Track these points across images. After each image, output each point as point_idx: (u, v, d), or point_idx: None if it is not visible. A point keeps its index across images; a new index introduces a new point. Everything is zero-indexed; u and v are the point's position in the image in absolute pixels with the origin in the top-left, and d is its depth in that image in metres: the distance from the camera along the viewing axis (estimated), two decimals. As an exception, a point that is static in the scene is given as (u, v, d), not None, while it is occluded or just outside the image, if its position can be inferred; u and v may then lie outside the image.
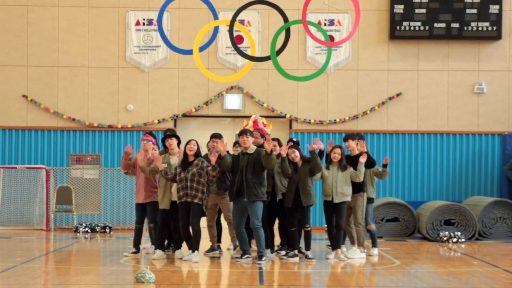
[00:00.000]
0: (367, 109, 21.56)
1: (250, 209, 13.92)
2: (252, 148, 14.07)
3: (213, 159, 13.91)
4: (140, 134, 21.35)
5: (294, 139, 15.45)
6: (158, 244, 14.42)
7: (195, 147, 14.08)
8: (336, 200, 14.36)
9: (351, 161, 14.68)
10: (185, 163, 14.02)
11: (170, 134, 14.62)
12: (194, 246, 13.89)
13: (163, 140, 14.63)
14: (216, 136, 14.56)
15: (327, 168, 14.49)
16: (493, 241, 18.46)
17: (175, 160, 14.41)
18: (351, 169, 14.51)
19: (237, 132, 15.01)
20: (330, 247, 14.87)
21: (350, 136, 15.14)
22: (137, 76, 21.49)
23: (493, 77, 21.59)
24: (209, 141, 15.00)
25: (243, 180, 13.89)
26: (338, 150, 14.50)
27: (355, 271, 13.28)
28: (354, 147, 14.94)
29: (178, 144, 14.62)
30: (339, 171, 14.43)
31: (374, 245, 15.38)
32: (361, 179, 14.52)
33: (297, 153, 14.27)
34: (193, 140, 14.18)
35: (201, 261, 14.05)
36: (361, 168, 14.45)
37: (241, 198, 13.93)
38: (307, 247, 14.31)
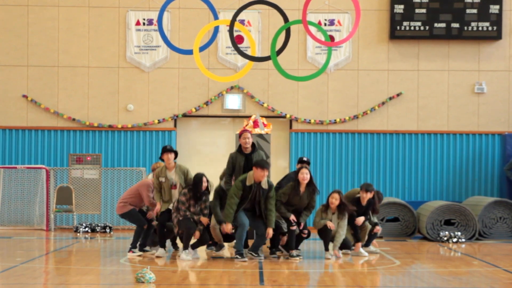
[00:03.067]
0: (367, 109, 21.56)
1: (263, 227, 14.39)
2: (265, 182, 14.27)
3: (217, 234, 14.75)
4: (141, 134, 21.37)
5: (305, 159, 15.59)
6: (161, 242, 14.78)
7: (206, 184, 14.42)
8: (337, 245, 14.69)
9: (358, 208, 15.17)
10: (196, 197, 14.41)
11: (170, 149, 14.74)
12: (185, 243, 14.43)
13: (161, 155, 14.78)
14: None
15: (326, 214, 14.70)
16: (493, 241, 18.46)
17: (172, 174, 14.60)
18: (346, 219, 14.76)
19: (254, 163, 14.87)
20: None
21: (366, 187, 15.34)
22: (137, 76, 21.48)
23: (493, 77, 21.59)
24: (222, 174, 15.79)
25: (261, 211, 14.32)
26: (336, 195, 14.65)
27: (355, 271, 13.28)
28: (365, 198, 15.29)
29: (175, 158, 14.88)
30: (338, 219, 14.65)
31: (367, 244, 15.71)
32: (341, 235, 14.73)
33: (308, 176, 14.45)
34: (204, 176, 14.46)
35: (201, 261, 14.09)
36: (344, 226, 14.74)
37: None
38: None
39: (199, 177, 14.37)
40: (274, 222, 14.25)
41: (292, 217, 14.40)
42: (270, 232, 14.22)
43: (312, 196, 14.51)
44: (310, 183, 14.46)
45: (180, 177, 14.56)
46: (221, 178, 15.52)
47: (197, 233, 14.32)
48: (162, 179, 14.58)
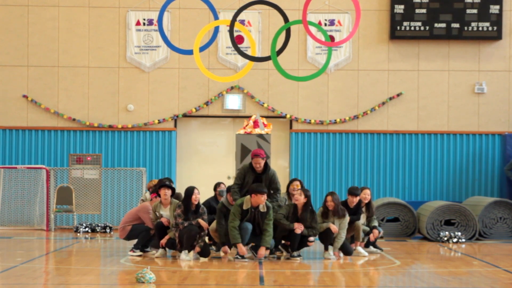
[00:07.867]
0: (367, 109, 21.56)
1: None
2: (262, 206, 14.27)
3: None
4: (141, 134, 21.36)
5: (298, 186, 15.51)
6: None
7: (199, 196, 14.38)
8: (337, 247, 14.70)
9: (349, 211, 15.11)
10: (189, 212, 14.30)
11: (168, 185, 14.68)
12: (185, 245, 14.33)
13: (158, 189, 14.71)
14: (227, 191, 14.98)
15: (326, 218, 14.66)
16: (493, 241, 18.47)
17: (166, 211, 14.60)
18: (346, 220, 14.76)
19: (252, 189, 14.74)
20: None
21: (354, 191, 15.34)
22: (138, 76, 21.49)
23: (493, 77, 21.59)
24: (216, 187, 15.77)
25: (261, 231, 14.28)
26: (329, 198, 14.66)
27: (355, 271, 13.28)
28: (353, 202, 15.26)
29: (172, 195, 14.72)
30: (338, 220, 14.66)
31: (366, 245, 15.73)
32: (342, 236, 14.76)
33: (301, 197, 14.42)
34: (196, 188, 14.40)
35: (201, 261, 14.09)
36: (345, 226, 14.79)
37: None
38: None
39: (189, 190, 14.32)
40: (269, 242, 14.21)
41: (296, 226, 14.38)
42: (261, 251, 14.16)
43: (313, 218, 14.47)
44: (307, 204, 14.46)
45: (173, 215, 14.47)
46: (227, 191, 15.19)
47: (197, 249, 14.26)
48: (157, 214, 14.67)
